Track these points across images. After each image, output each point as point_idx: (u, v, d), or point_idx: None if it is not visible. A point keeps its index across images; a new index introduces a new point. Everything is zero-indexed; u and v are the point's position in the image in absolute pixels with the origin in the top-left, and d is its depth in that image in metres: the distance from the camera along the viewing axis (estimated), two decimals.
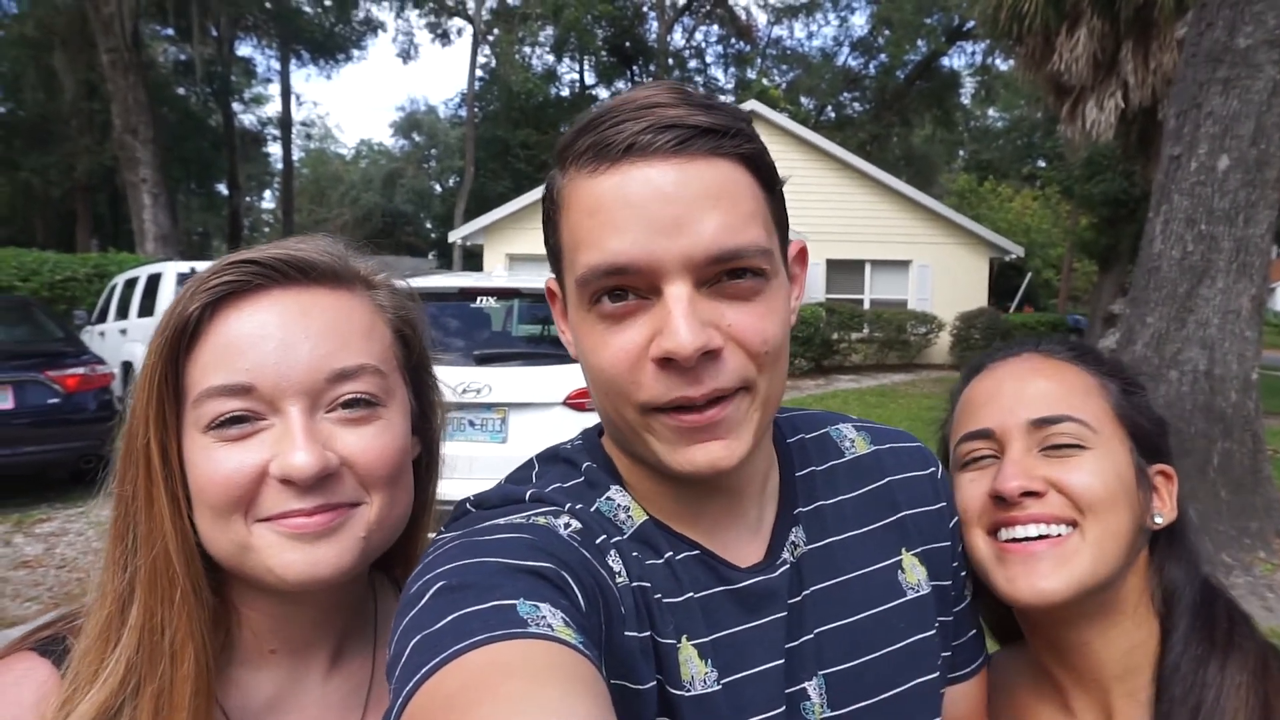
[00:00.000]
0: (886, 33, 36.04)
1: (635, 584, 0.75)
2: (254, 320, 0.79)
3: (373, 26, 36.79)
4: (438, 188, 50.40)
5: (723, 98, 0.85)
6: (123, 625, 0.79)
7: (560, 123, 37.01)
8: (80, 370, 7.60)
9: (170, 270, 10.42)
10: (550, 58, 37.16)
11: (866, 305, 19.56)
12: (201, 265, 11.03)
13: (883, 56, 37.14)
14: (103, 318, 11.94)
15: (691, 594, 0.78)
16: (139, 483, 0.79)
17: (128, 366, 10.42)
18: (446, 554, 0.68)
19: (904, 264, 19.97)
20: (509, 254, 18.85)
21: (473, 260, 23.08)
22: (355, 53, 37.03)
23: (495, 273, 7.18)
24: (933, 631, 0.89)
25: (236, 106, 35.99)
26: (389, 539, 0.86)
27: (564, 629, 0.60)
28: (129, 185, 21.74)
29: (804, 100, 37.65)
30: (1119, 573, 0.95)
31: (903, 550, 0.90)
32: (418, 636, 0.60)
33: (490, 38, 35.25)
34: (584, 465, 0.84)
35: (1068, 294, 36.07)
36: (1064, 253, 34.67)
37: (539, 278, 6.05)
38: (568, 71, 38.87)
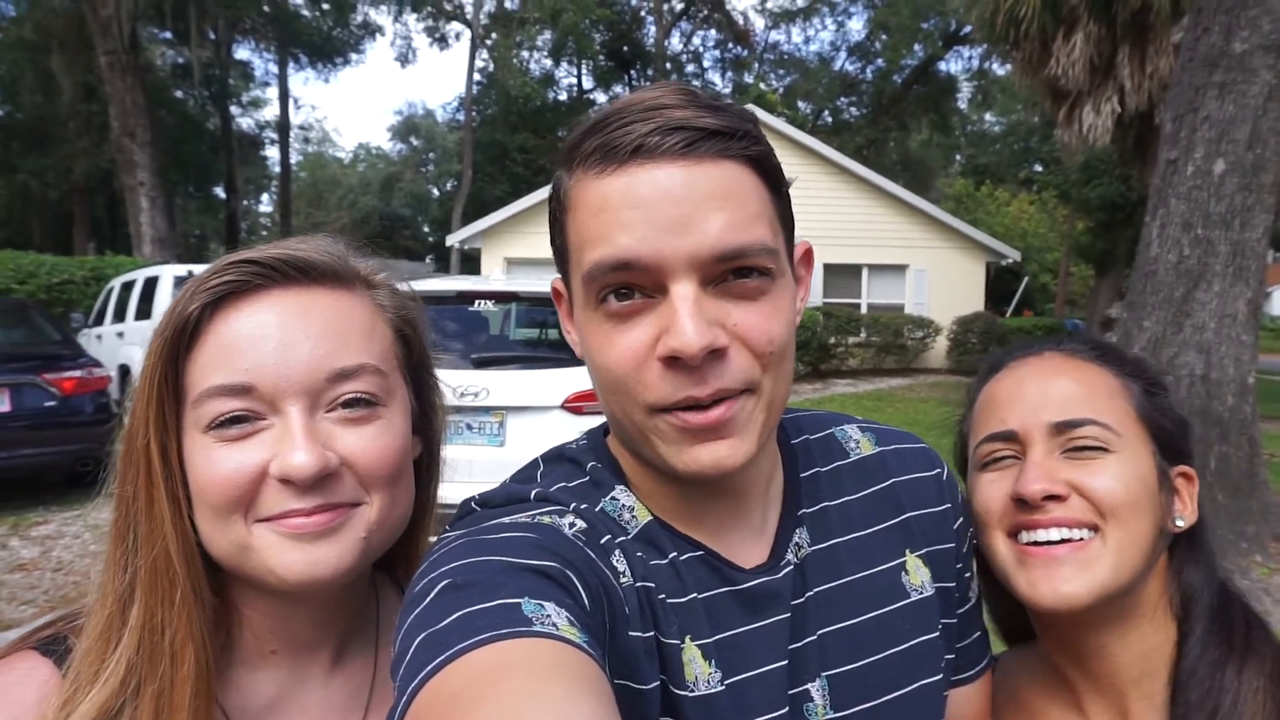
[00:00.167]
0: (884, 37, 36.15)
1: (639, 584, 0.75)
2: (254, 320, 0.79)
3: (371, 30, 36.83)
4: (435, 192, 50.43)
5: None
6: (123, 626, 0.79)
7: (558, 127, 37.06)
8: (77, 373, 7.58)
9: (167, 273, 10.42)
10: (548, 62, 37.25)
11: (863, 309, 19.57)
12: (199, 268, 11.09)
13: (880, 61, 37.24)
14: (100, 320, 11.93)
15: (695, 594, 0.78)
16: (139, 483, 0.79)
17: (125, 369, 10.40)
18: (451, 552, 0.69)
19: (901, 268, 19.99)
20: (507, 258, 18.85)
21: (470, 264, 23.09)
22: (353, 56, 37.08)
23: (493, 276, 7.18)
24: (936, 633, 0.89)
25: (234, 110, 36.04)
26: (389, 539, 0.86)
27: (569, 628, 0.60)
28: (126, 188, 21.73)
29: (801, 105, 37.75)
30: (1140, 577, 0.94)
31: (907, 552, 0.90)
32: (422, 634, 0.60)
33: (488, 42, 35.30)
34: (589, 465, 0.84)
35: (1065, 298, 36.12)
36: (1061, 257, 34.74)
37: (537, 281, 6.06)
38: (565, 76, 39.01)
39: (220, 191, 37.03)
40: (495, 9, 35.11)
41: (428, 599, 0.63)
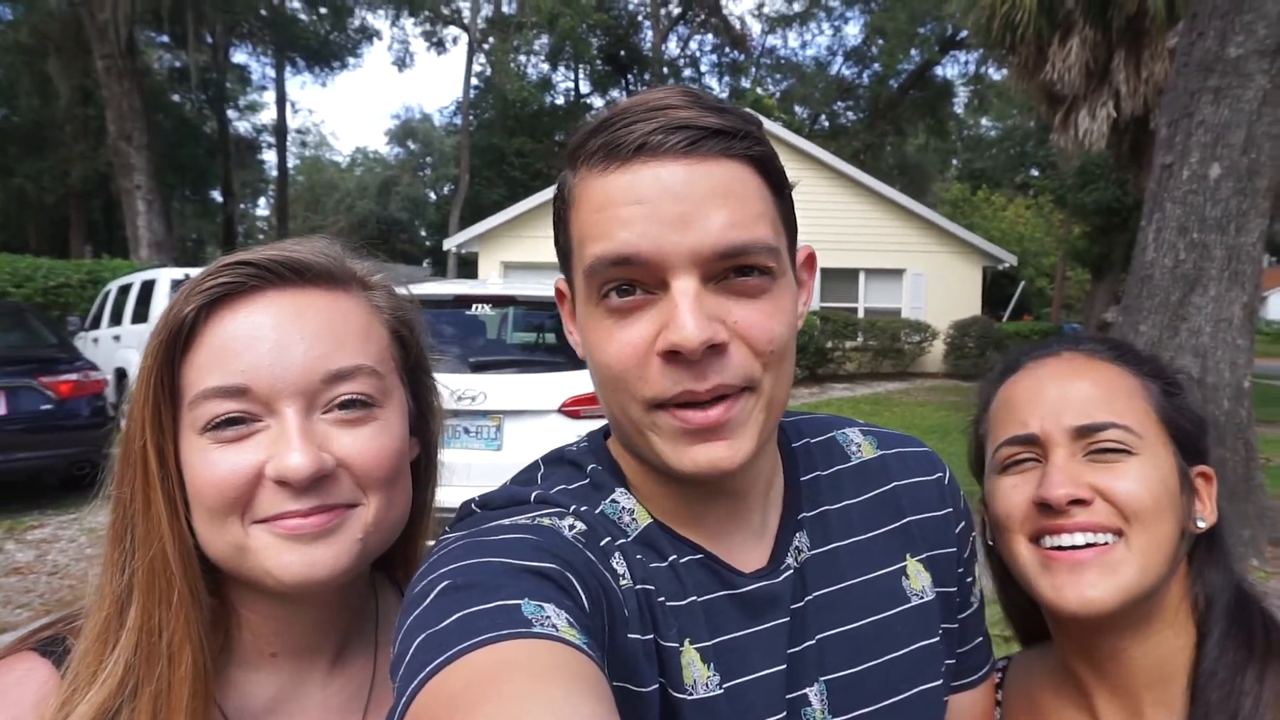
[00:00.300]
0: (880, 42, 36.24)
1: (639, 587, 0.75)
2: (249, 321, 0.79)
3: (368, 35, 36.85)
4: (433, 195, 50.43)
5: None
6: (121, 627, 0.79)
7: (555, 131, 37.11)
8: (73, 376, 7.58)
9: (164, 277, 10.42)
10: (545, 66, 37.31)
11: (860, 314, 19.60)
12: (196, 272, 11.11)
13: (876, 66, 37.32)
14: (96, 324, 11.92)
15: (695, 597, 0.78)
16: (136, 485, 0.79)
17: (121, 373, 10.39)
18: (451, 554, 0.69)
19: (898, 273, 20.02)
20: (504, 262, 18.86)
21: (467, 268, 23.09)
22: (351, 61, 37.05)
23: (490, 280, 7.19)
24: (936, 638, 0.88)
25: (231, 113, 36.02)
26: (387, 540, 0.86)
27: (568, 629, 0.60)
28: (123, 192, 21.72)
29: (798, 109, 37.83)
30: (1164, 580, 0.93)
31: (907, 556, 0.90)
32: (422, 635, 0.60)
33: (486, 46, 35.34)
34: (589, 467, 0.84)
35: (1061, 302, 36.20)
36: (1057, 261, 34.82)
37: (534, 286, 6.06)
38: (563, 80, 39.06)
39: (217, 195, 36.99)
40: (492, 13, 35.16)
41: (427, 600, 0.63)
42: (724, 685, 0.76)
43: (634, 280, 0.72)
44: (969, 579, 0.96)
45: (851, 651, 0.83)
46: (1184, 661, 0.95)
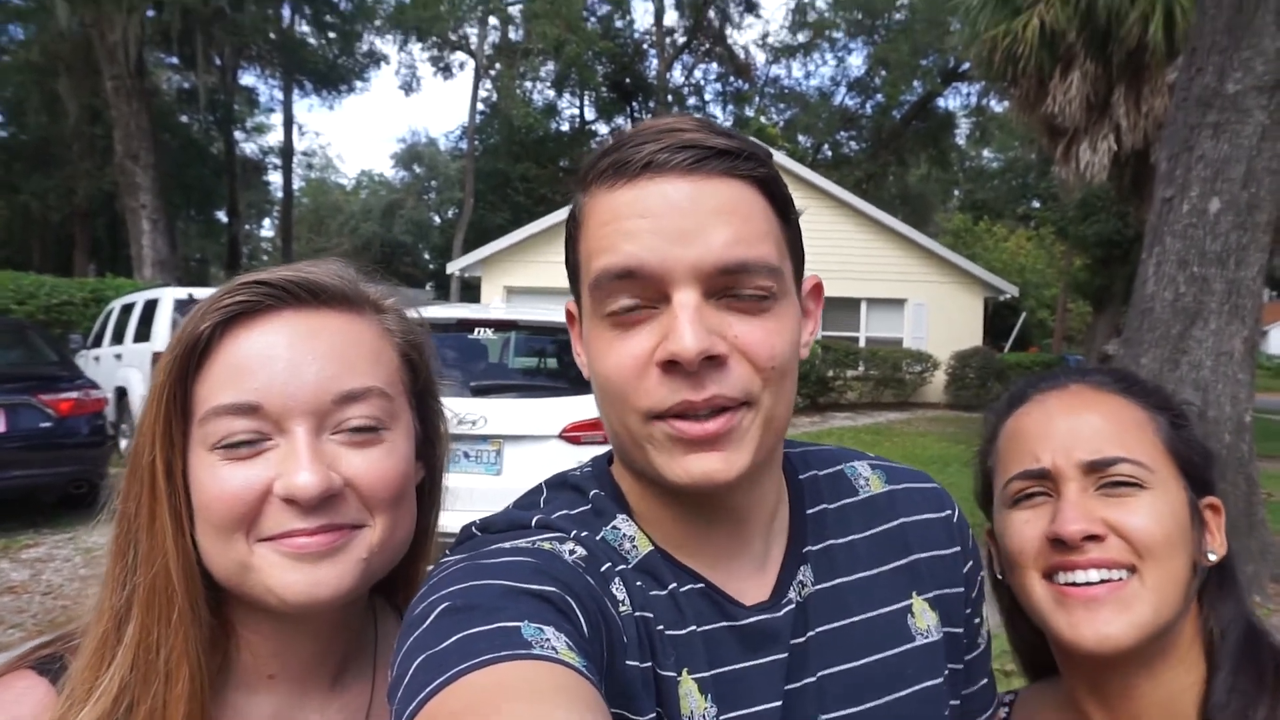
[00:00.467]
0: (883, 73, 36.57)
1: (638, 614, 0.75)
2: (263, 341, 0.80)
3: (376, 59, 37.19)
4: (437, 219, 50.68)
5: None
6: (118, 643, 0.78)
7: (560, 157, 37.37)
8: (73, 394, 7.58)
9: (167, 296, 10.43)
10: (551, 93, 37.63)
11: (862, 343, 19.62)
12: (199, 291, 11.00)
13: (879, 96, 37.64)
14: (98, 342, 11.93)
15: (694, 627, 0.77)
16: (142, 499, 0.79)
17: (122, 391, 10.39)
18: (451, 576, 0.69)
19: (899, 302, 20.07)
20: (507, 286, 18.91)
21: (470, 292, 23.15)
22: (358, 84, 37.36)
23: (493, 305, 7.20)
24: (941, 679, 0.87)
25: (238, 135, 36.25)
26: (390, 562, 0.86)
27: (568, 653, 0.60)
28: (128, 210, 21.84)
29: (801, 138, 38.10)
30: (1179, 616, 0.93)
31: (914, 594, 0.88)
32: (421, 656, 0.60)
33: (492, 72, 35.67)
34: (591, 493, 0.84)
35: (1063, 334, 36.24)
36: (1058, 293, 34.89)
37: (537, 310, 6.07)
38: (568, 106, 39.36)
39: (222, 215, 37.17)
40: (499, 40, 35.52)
41: (427, 621, 0.63)
42: (721, 717, 0.76)
43: (637, 294, 0.72)
44: (976, 619, 0.94)
45: (854, 690, 0.82)
46: (1194, 697, 0.94)
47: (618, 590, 0.75)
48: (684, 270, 0.71)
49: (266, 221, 52.24)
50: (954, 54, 31.07)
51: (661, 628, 0.76)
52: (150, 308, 10.51)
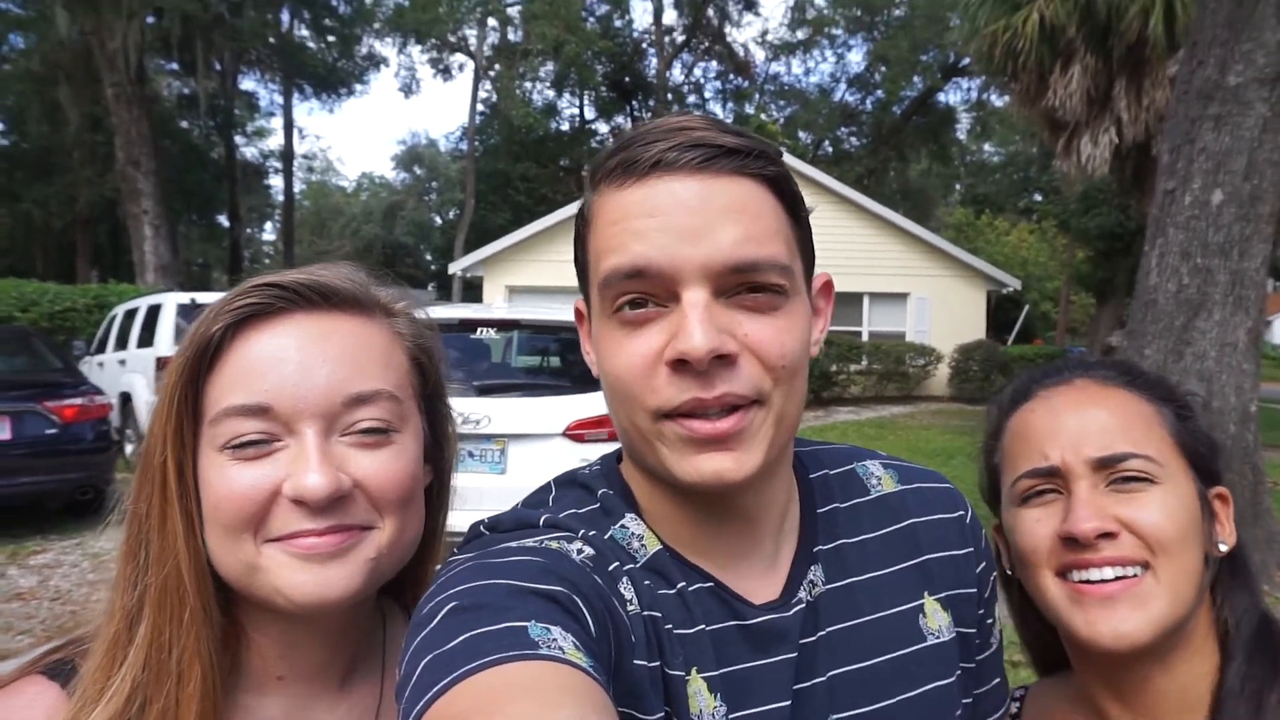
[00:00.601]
0: (883, 69, 36.51)
1: (646, 613, 0.75)
2: (274, 343, 0.80)
3: (375, 61, 37.18)
4: (438, 220, 50.69)
5: None
6: (130, 643, 0.79)
7: (560, 156, 37.37)
8: (78, 401, 7.60)
9: (170, 301, 10.42)
10: (550, 92, 37.61)
11: (865, 337, 19.61)
12: (202, 296, 10.99)
13: (879, 92, 37.57)
14: (102, 348, 11.94)
15: (703, 626, 0.77)
16: (154, 500, 0.80)
17: (126, 397, 10.41)
18: (459, 575, 0.69)
19: (902, 296, 20.05)
20: (508, 286, 18.92)
21: (472, 292, 23.17)
22: (358, 87, 37.38)
23: (495, 304, 7.21)
24: (952, 679, 0.86)
25: (239, 139, 36.30)
26: (398, 564, 0.86)
27: (575, 653, 0.60)
28: (130, 217, 21.87)
29: (802, 135, 38.03)
30: (1193, 609, 0.93)
31: (925, 594, 0.88)
32: (429, 656, 0.60)
33: (491, 73, 35.68)
34: (600, 492, 0.84)
35: (1065, 326, 36.18)
36: (1061, 285, 34.84)
37: (539, 309, 6.08)
38: (568, 106, 39.32)
39: (224, 220, 37.21)
40: (498, 41, 35.52)
41: (434, 621, 0.63)
42: (731, 716, 0.75)
43: (646, 293, 0.72)
44: (989, 620, 0.94)
45: (865, 690, 0.81)
46: (1208, 686, 0.94)
47: (626, 589, 0.75)
48: (693, 269, 0.71)
49: (268, 225, 52.38)
50: (954, 49, 31.03)
51: (670, 627, 0.76)
52: (153, 313, 10.51)
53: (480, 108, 37.00)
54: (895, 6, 35.57)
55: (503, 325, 5.70)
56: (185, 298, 10.47)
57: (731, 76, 40.91)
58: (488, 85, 36.68)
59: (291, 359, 0.80)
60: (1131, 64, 12.49)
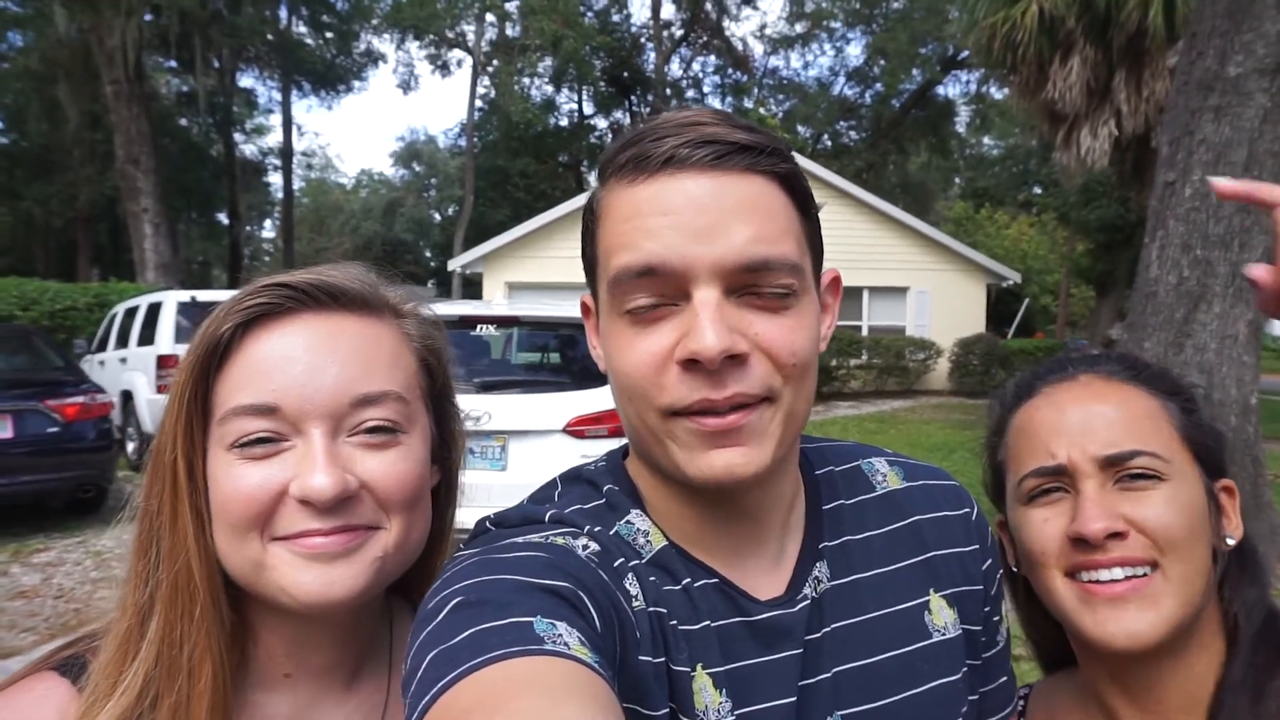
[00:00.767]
0: (882, 62, 36.42)
1: (651, 609, 0.75)
2: (283, 342, 0.81)
3: (373, 58, 37.10)
4: (437, 216, 50.69)
5: None
6: (141, 638, 0.80)
7: (559, 152, 37.33)
8: (80, 399, 7.61)
9: (171, 299, 10.42)
10: (549, 88, 37.51)
11: (865, 332, 19.60)
12: (202, 294, 10.96)
13: (878, 86, 37.49)
14: (103, 347, 11.95)
15: (709, 622, 0.77)
16: (165, 497, 0.81)
17: (127, 395, 10.41)
18: (464, 570, 0.69)
19: (902, 290, 20.04)
20: (508, 282, 18.91)
21: (472, 288, 23.15)
22: (356, 84, 37.46)
23: (495, 301, 7.21)
24: (958, 676, 0.86)
25: (238, 137, 36.24)
26: (405, 564, 0.87)
27: (580, 648, 0.60)
28: (130, 215, 21.86)
29: (801, 129, 37.96)
30: (1203, 605, 0.93)
31: (931, 591, 0.87)
32: (434, 651, 0.60)
33: (490, 69, 35.60)
34: (605, 487, 0.84)
35: (1065, 319, 36.16)
36: (1061, 278, 34.82)
37: (539, 305, 6.08)
38: (566, 101, 39.25)
39: (223, 218, 37.16)
40: (497, 36, 35.45)
41: (439, 616, 0.64)
42: (736, 712, 0.75)
43: (657, 292, 0.72)
44: (995, 617, 0.94)
45: (870, 687, 0.81)
46: (1215, 679, 0.94)
47: (631, 585, 0.75)
48: (705, 268, 0.70)
49: (268, 223, 52.31)
50: (953, 42, 30.95)
51: (675, 623, 0.76)
52: (154, 311, 10.50)
53: (479, 104, 36.97)
54: None
55: (503, 322, 5.71)
56: (186, 296, 10.47)
57: (730, 71, 40.84)
58: (486, 81, 36.64)
59: (300, 359, 0.80)
60: (1131, 55, 12.46)
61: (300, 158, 49.23)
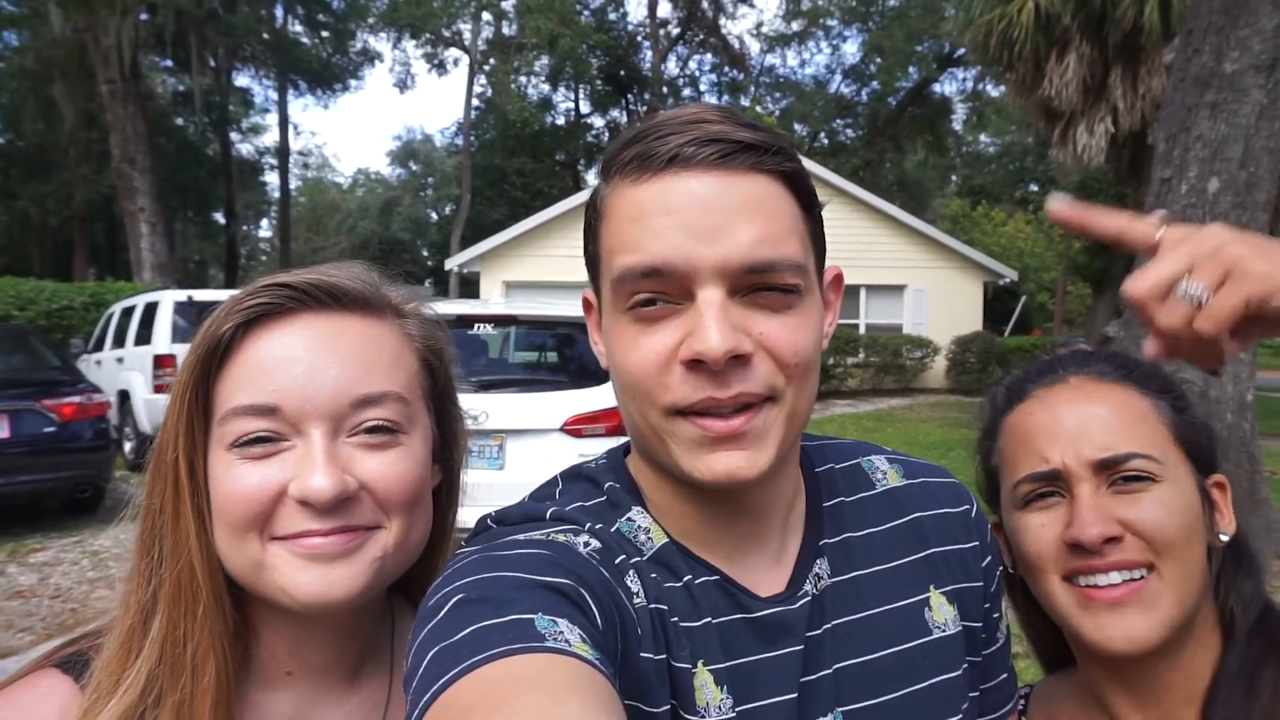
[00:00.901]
0: (878, 60, 36.42)
1: (653, 606, 0.75)
2: (284, 343, 0.81)
3: (370, 57, 37.14)
4: (434, 216, 50.62)
5: None
6: (144, 636, 0.80)
7: (556, 150, 37.31)
8: (76, 399, 7.60)
9: (167, 298, 10.41)
10: (546, 86, 37.50)
11: (862, 330, 19.61)
12: (199, 293, 10.94)
13: (875, 83, 37.48)
14: (99, 346, 11.93)
15: (709, 619, 0.77)
16: (167, 496, 0.81)
17: (124, 395, 10.40)
18: (465, 568, 0.69)
19: (899, 288, 20.05)
20: (505, 281, 18.90)
21: (469, 288, 23.14)
22: (352, 83, 37.24)
23: (492, 300, 7.21)
24: (959, 672, 0.86)
25: (234, 136, 36.19)
26: (405, 563, 0.87)
27: (581, 645, 0.60)
28: (127, 214, 21.83)
29: (797, 127, 37.97)
30: (1200, 603, 0.93)
31: (931, 588, 0.88)
32: (435, 648, 0.60)
33: (486, 67, 35.58)
34: (606, 485, 0.84)
35: (1062, 317, 36.20)
36: (1058, 276, 34.85)
37: (536, 305, 6.08)
38: (563, 100, 39.26)
39: (220, 217, 37.10)
40: (493, 35, 35.42)
41: (441, 613, 0.64)
42: (737, 709, 0.76)
43: (661, 291, 0.72)
44: (995, 614, 0.94)
45: (871, 683, 0.81)
46: (1211, 672, 0.95)
47: (632, 582, 0.75)
48: (710, 269, 0.70)
49: (264, 222, 52.26)
50: (949, 39, 30.97)
51: (676, 619, 0.76)
52: (150, 310, 10.49)
53: (475, 102, 36.94)
54: None
55: (500, 321, 5.71)
56: (182, 295, 10.47)
57: (727, 69, 40.84)
58: (483, 80, 36.62)
59: (300, 359, 0.80)
60: (1127, 52, 12.48)
61: (297, 157, 49.17)
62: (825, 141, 39.41)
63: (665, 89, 37.57)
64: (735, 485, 0.73)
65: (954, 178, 46.42)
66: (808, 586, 0.82)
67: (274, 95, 35.18)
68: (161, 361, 9.73)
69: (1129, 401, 0.96)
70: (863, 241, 19.28)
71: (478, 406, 5.07)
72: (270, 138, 40.58)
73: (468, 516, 0.86)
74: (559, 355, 5.95)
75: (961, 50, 29.27)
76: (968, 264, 20.27)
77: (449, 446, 0.95)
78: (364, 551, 0.81)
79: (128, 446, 10.39)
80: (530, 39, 32.55)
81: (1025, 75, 13.43)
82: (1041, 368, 1.03)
